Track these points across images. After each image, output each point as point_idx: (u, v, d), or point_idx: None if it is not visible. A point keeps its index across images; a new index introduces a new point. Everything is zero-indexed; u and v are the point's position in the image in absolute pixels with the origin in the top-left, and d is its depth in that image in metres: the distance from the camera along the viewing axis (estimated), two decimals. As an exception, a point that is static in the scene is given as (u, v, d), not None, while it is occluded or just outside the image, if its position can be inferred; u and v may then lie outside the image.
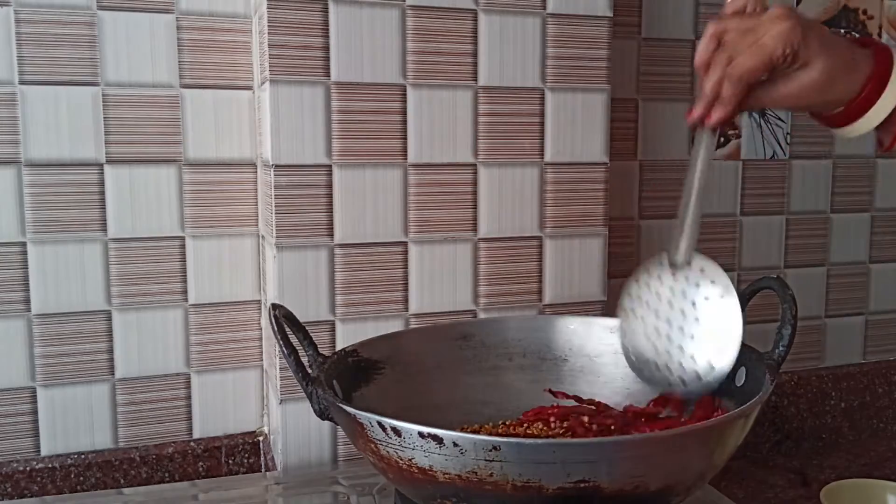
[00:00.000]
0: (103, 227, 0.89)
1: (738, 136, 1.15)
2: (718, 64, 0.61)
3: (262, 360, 0.96)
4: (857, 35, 1.20)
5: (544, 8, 0.89)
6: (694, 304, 0.68)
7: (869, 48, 0.63)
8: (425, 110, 0.86)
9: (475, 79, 0.88)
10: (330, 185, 0.84)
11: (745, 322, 0.66)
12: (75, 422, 0.90)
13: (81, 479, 0.89)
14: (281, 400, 0.85)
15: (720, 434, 0.57)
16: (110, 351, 0.91)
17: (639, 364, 0.70)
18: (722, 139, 1.14)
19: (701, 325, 0.67)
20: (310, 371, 0.67)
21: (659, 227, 1.12)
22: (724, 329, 0.66)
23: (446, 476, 0.54)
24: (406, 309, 0.88)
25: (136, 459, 0.91)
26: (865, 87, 0.61)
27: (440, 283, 0.89)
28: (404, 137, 0.86)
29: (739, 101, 0.62)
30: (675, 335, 0.68)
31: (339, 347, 0.84)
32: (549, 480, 0.52)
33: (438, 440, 0.53)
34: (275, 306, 0.68)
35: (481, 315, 0.91)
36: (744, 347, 0.70)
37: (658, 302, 0.69)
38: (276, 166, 0.82)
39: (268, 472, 0.93)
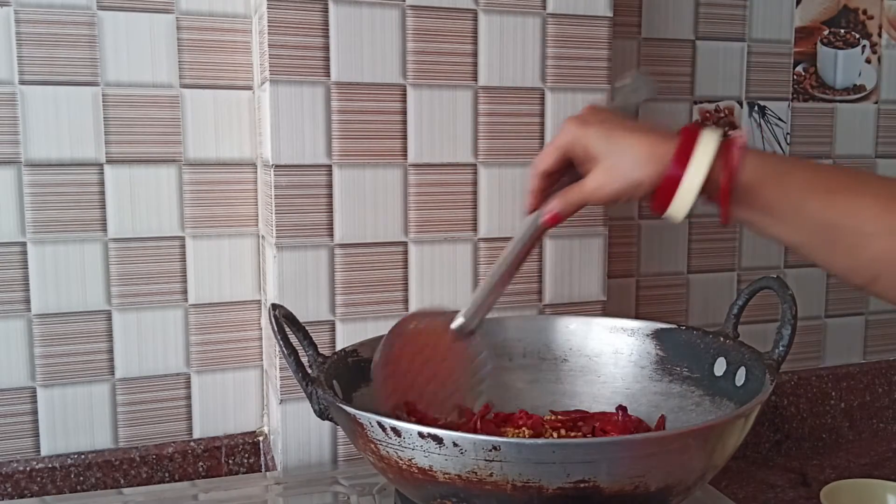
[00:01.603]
0: (103, 227, 0.89)
1: (738, 136, 1.15)
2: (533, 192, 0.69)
3: (262, 360, 0.96)
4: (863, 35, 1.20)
5: (544, 8, 0.89)
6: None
7: (681, 132, 0.61)
8: (425, 110, 0.86)
9: (475, 79, 0.88)
10: (330, 185, 0.84)
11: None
12: (75, 422, 0.90)
13: (81, 479, 0.89)
14: (281, 400, 0.85)
15: (720, 434, 0.57)
16: (110, 351, 0.91)
17: None
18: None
19: None
20: (310, 371, 0.67)
21: (659, 227, 1.12)
22: None
23: (446, 476, 0.54)
24: (406, 309, 0.88)
25: (136, 459, 0.91)
26: (665, 173, 0.60)
27: (440, 283, 0.89)
28: (404, 137, 0.86)
29: (537, 189, 0.68)
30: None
31: (339, 347, 0.84)
32: (549, 480, 0.52)
33: (438, 440, 0.53)
34: (275, 306, 0.68)
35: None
36: (744, 347, 0.71)
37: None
38: (276, 166, 0.82)
39: (268, 472, 0.93)
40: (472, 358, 0.72)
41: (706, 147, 0.60)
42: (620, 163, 0.62)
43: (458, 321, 0.70)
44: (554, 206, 0.67)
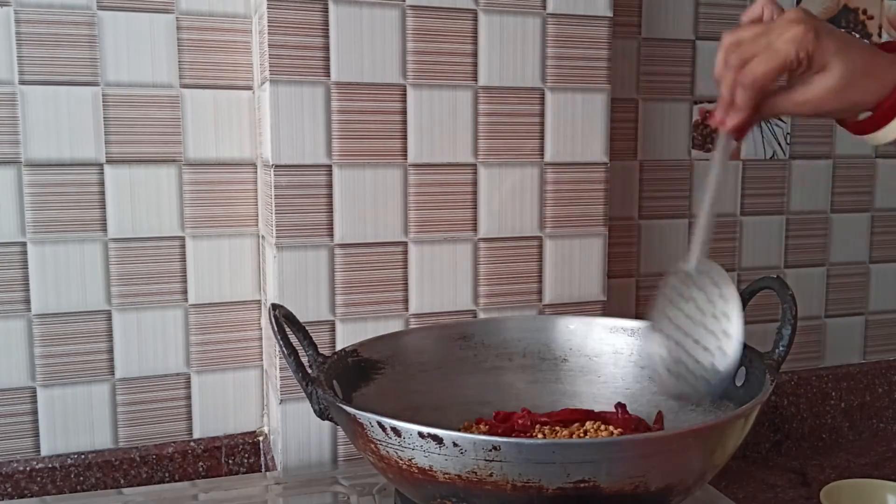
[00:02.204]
0: (103, 227, 0.89)
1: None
2: (731, 69, 0.61)
3: (262, 360, 0.96)
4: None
5: (544, 8, 0.89)
6: (704, 313, 0.67)
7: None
8: (425, 110, 0.86)
9: (475, 79, 0.88)
10: (330, 185, 0.84)
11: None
12: (75, 422, 0.90)
13: (81, 479, 0.89)
14: (281, 400, 0.85)
15: (720, 434, 0.57)
16: (110, 351, 0.91)
17: (668, 377, 0.68)
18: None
19: (711, 331, 0.66)
20: (310, 371, 0.67)
21: (659, 227, 1.12)
22: (724, 332, 0.66)
23: (446, 476, 0.54)
24: (406, 309, 0.88)
25: (136, 459, 0.91)
26: (893, 92, 0.59)
27: (440, 283, 0.89)
28: (404, 137, 0.86)
29: (753, 107, 0.61)
30: (690, 346, 0.67)
31: (339, 347, 0.84)
32: (549, 480, 0.52)
33: (438, 440, 0.53)
34: (275, 306, 0.68)
35: (481, 315, 0.91)
36: (744, 348, 0.70)
37: (680, 316, 0.68)
38: (276, 166, 0.82)
39: (268, 472, 0.93)
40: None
41: None
42: (853, 85, 0.59)
43: (692, 265, 0.66)
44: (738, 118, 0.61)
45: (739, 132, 0.63)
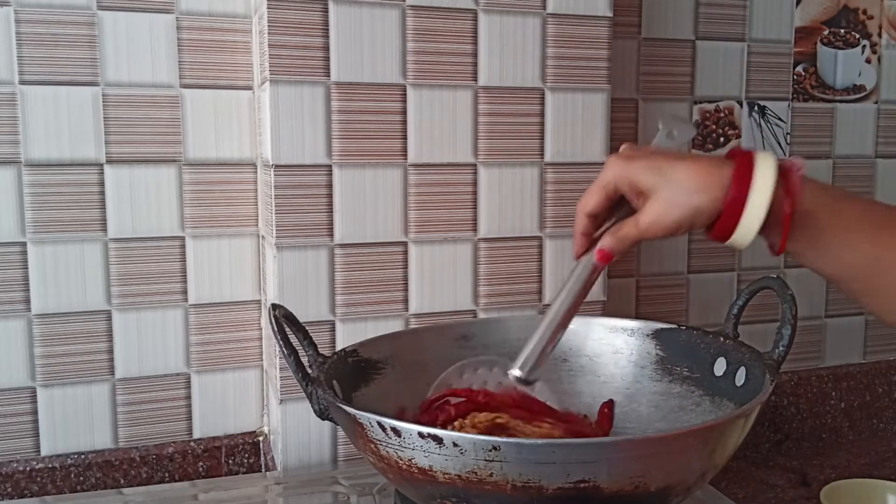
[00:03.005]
0: (103, 227, 0.89)
1: (738, 136, 1.15)
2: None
3: (262, 361, 0.96)
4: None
5: (544, 8, 0.89)
6: None
7: (732, 159, 0.60)
8: (425, 110, 0.86)
9: (475, 79, 0.88)
10: (330, 185, 0.84)
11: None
12: (75, 422, 0.90)
13: (81, 479, 0.89)
14: (281, 400, 0.85)
15: (720, 434, 0.57)
16: (110, 351, 0.91)
17: None
18: (722, 139, 1.14)
19: None
20: (310, 371, 0.67)
21: (659, 227, 1.12)
22: None
23: (446, 476, 0.54)
24: (406, 309, 0.88)
25: (136, 459, 0.91)
26: (725, 201, 0.58)
27: (440, 283, 0.89)
28: (404, 137, 0.86)
29: (586, 234, 0.65)
30: None
31: (339, 347, 0.84)
32: (549, 480, 0.52)
33: (438, 440, 0.53)
34: (275, 306, 0.68)
35: (481, 315, 0.91)
36: (744, 347, 0.71)
37: None
38: (276, 166, 0.82)
39: (268, 472, 0.93)
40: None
41: (766, 171, 0.58)
42: (676, 193, 0.59)
43: (515, 372, 0.64)
44: (607, 243, 0.63)
45: (602, 259, 0.64)
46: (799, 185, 0.58)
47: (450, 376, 0.74)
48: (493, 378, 0.75)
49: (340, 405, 0.59)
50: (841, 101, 1.20)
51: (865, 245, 0.59)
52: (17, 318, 0.87)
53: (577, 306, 0.65)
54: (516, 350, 0.82)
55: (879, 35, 1.22)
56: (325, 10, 0.82)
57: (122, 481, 0.91)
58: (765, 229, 0.58)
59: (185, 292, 0.93)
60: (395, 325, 0.87)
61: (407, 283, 0.88)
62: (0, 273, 0.86)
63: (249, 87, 0.93)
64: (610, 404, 0.76)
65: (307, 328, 0.70)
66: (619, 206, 0.64)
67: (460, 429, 0.69)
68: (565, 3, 0.89)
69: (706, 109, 1.13)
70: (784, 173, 0.58)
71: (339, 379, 0.68)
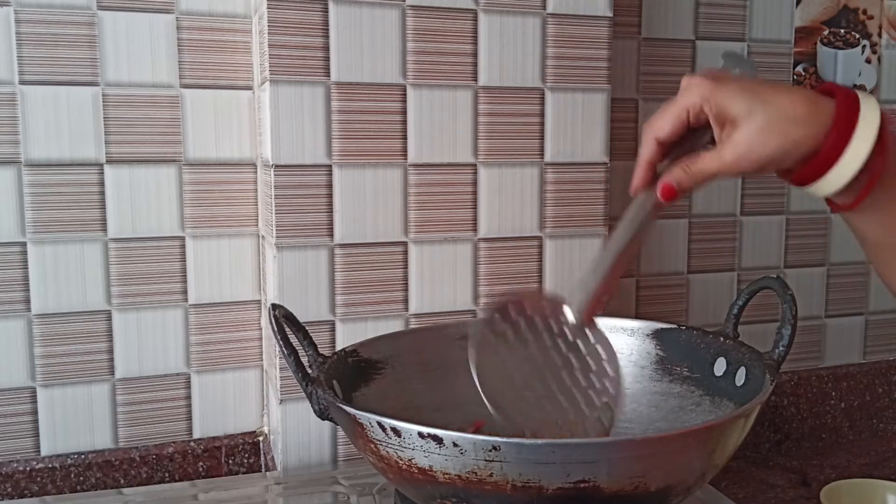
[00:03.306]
0: (103, 227, 0.89)
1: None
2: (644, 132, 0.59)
3: (262, 361, 0.96)
4: (860, 33, 1.20)
5: (544, 8, 0.89)
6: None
7: (834, 95, 0.54)
8: (425, 110, 0.86)
9: (475, 79, 0.88)
10: (330, 185, 0.84)
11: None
12: (75, 422, 0.90)
13: (81, 479, 0.89)
14: (281, 400, 0.85)
15: (720, 434, 0.57)
16: (110, 351, 0.91)
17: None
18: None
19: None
20: (310, 371, 0.67)
21: (659, 227, 1.12)
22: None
23: (446, 476, 0.54)
24: (406, 309, 0.88)
25: (136, 459, 0.91)
26: (827, 138, 0.53)
27: (440, 283, 0.89)
28: (404, 137, 0.86)
29: (652, 159, 0.58)
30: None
31: (339, 347, 0.84)
32: (549, 481, 0.52)
33: (438, 440, 0.53)
34: (275, 306, 0.68)
35: (481, 315, 0.91)
36: (744, 347, 0.71)
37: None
38: (276, 166, 0.82)
39: (268, 472, 0.93)
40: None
41: (871, 116, 0.52)
42: (773, 120, 0.52)
43: (571, 318, 0.60)
44: (677, 177, 0.56)
45: (667, 194, 0.57)
46: (891, 142, 0.53)
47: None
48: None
49: (340, 405, 0.59)
50: (841, 101, 1.20)
51: None
52: (17, 318, 0.87)
53: (636, 248, 0.59)
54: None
55: (879, 35, 1.22)
56: (325, 10, 0.82)
57: (122, 481, 0.91)
58: (853, 179, 0.53)
59: (185, 292, 0.93)
60: (395, 325, 0.87)
61: (407, 283, 0.88)
62: (0, 273, 0.86)
63: (249, 87, 0.93)
64: None
65: (307, 328, 0.70)
66: (695, 135, 0.57)
67: None
68: (565, 3, 0.89)
69: (706, 109, 1.12)
70: (883, 125, 0.53)
71: (339, 379, 0.68)
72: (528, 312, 0.62)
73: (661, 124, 0.57)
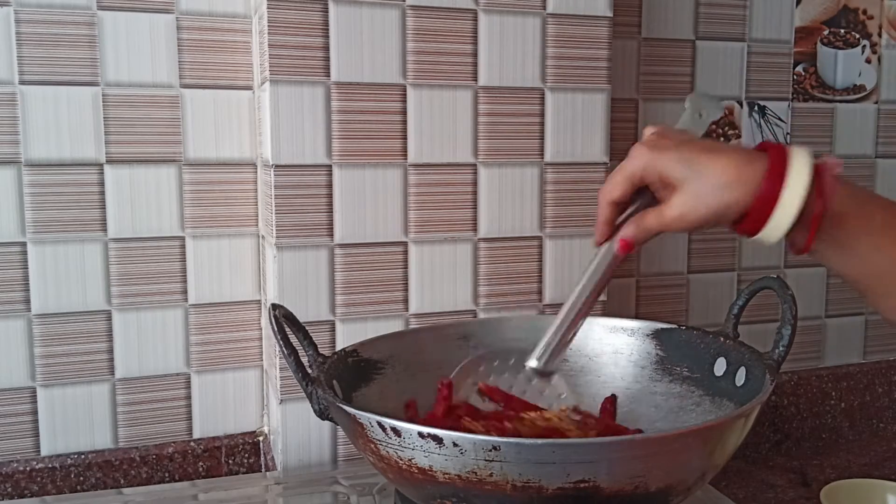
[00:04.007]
0: (103, 227, 0.89)
1: (739, 136, 1.15)
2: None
3: (262, 360, 0.96)
4: (860, 37, 1.20)
5: (544, 8, 0.89)
6: None
7: (766, 152, 0.58)
8: (425, 110, 0.86)
9: (475, 79, 0.88)
10: (330, 185, 0.84)
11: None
12: (75, 422, 0.90)
13: (81, 479, 0.89)
14: (281, 400, 0.85)
15: (720, 434, 0.57)
16: (110, 351, 0.91)
17: None
18: (722, 139, 1.14)
19: None
20: (310, 371, 0.67)
21: (659, 227, 1.11)
22: None
23: (446, 476, 0.54)
24: (406, 309, 0.88)
25: (136, 459, 0.91)
26: (756, 197, 0.57)
27: (440, 283, 0.89)
28: (404, 137, 0.86)
29: (608, 222, 0.63)
30: None
31: (339, 347, 0.84)
32: (549, 480, 0.52)
33: (438, 440, 0.53)
34: (275, 306, 0.68)
35: (481, 315, 0.91)
36: (744, 347, 0.71)
37: None
38: (276, 166, 0.82)
39: (268, 472, 0.93)
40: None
41: (801, 168, 0.56)
42: (705, 187, 0.58)
43: (532, 363, 0.64)
44: (629, 233, 0.62)
45: (624, 248, 0.63)
46: (832, 185, 0.57)
47: (469, 366, 0.73)
48: (510, 373, 0.74)
49: (340, 405, 0.59)
50: (841, 101, 1.20)
51: (893, 249, 0.58)
52: (17, 317, 0.87)
53: (597, 295, 0.64)
54: (516, 350, 0.82)
55: (879, 35, 1.22)
56: (325, 10, 0.82)
57: (122, 481, 0.91)
58: (792, 227, 0.57)
59: (185, 292, 0.93)
60: (395, 325, 0.87)
61: (407, 283, 0.88)
62: (0, 273, 0.86)
63: (249, 87, 0.93)
64: (612, 399, 0.76)
65: (307, 328, 0.70)
66: (642, 192, 0.63)
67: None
68: (565, 3, 0.89)
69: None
70: (818, 172, 0.57)
71: (339, 379, 0.68)
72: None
73: (612, 189, 0.63)
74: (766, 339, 1.12)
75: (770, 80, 1.16)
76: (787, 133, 1.17)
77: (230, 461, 0.95)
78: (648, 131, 0.63)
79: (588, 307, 0.64)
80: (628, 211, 0.64)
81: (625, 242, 0.63)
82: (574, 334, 0.64)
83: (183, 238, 0.92)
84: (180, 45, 0.90)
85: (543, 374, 0.64)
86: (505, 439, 0.52)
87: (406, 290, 0.88)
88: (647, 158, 0.60)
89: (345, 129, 0.84)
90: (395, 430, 0.54)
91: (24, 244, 0.87)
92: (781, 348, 0.66)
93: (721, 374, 0.72)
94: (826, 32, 1.19)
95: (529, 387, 0.75)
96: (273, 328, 0.66)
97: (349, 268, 0.85)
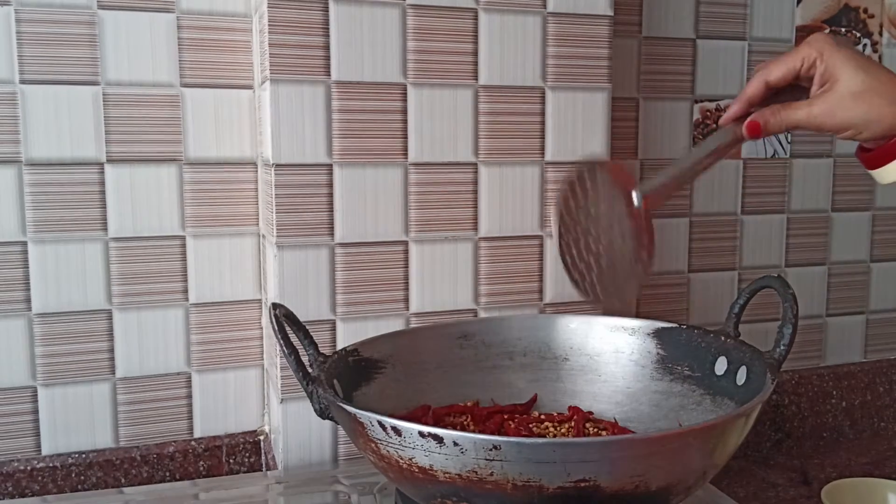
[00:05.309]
0: (104, 226, 0.89)
1: (739, 135, 1.15)
2: (755, 72, 0.63)
3: (262, 360, 0.96)
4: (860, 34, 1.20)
5: (545, 7, 0.89)
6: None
7: None
8: (426, 109, 0.86)
9: (476, 78, 0.88)
10: (330, 185, 0.84)
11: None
12: (76, 421, 0.90)
13: (82, 478, 0.90)
14: (282, 399, 0.85)
15: (721, 433, 0.57)
16: (111, 350, 0.91)
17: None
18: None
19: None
20: (310, 370, 0.67)
21: (659, 226, 1.12)
22: None
23: (447, 475, 0.54)
24: (407, 308, 0.88)
25: (136, 459, 0.91)
26: None
27: (441, 282, 0.89)
28: (405, 136, 0.86)
29: (756, 99, 0.62)
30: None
31: (339, 347, 0.84)
32: (550, 480, 0.52)
33: (438, 439, 0.53)
34: (275, 305, 0.68)
35: (482, 314, 0.91)
36: (745, 346, 0.71)
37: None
38: (276, 165, 0.82)
39: (269, 472, 0.93)
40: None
41: None
42: (868, 95, 0.57)
43: (636, 191, 0.64)
44: (764, 118, 0.60)
45: (752, 130, 0.61)
46: None
47: None
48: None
49: (341, 404, 0.59)
50: (842, 100, 1.20)
51: None
52: (18, 317, 0.87)
53: (710, 164, 0.64)
54: (517, 349, 0.83)
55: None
56: (326, 9, 0.82)
57: (122, 480, 0.91)
58: None
59: (185, 291, 0.93)
60: (395, 325, 0.87)
61: (407, 282, 0.88)
62: (1, 272, 0.86)
63: (250, 87, 0.93)
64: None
65: (308, 327, 0.70)
66: (792, 93, 0.62)
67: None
68: (566, 2, 0.89)
69: (707, 108, 1.12)
70: None
71: (340, 378, 0.68)
72: (604, 183, 0.68)
73: (776, 68, 0.61)
74: (766, 338, 1.12)
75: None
76: (787, 132, 1.17)
77: (231, 460, 0.95)
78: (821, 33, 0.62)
79: (699, 170, 0.64)
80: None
81: (755, 125, 0.61)
82: (680, 187, 0.65)
83: (183, 237, 0.92)
84: (181, 44, 0.90)
85: (645, 203, 0.63)
86: (505, 438, 0.52)
87: (407, 289, 0.88)
88: (827, 47, 0.58)
89: (345, 128, 0.84)
90: (396, 430, 0.55)
91: (24, 243, 0.87)
92: (782, 347, 0.66)
93: (722, 373, 0.72)
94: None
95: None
96: (274, 327, 0.66)
97: (350, 267, 0.85)
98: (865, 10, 1.20)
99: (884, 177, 0.58)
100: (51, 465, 0.89)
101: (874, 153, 0.58)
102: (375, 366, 0.74)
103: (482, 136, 0.88)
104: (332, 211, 0.84)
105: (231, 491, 0.83)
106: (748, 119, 0.61)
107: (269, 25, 0.80)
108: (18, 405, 0.88)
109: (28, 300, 0.87)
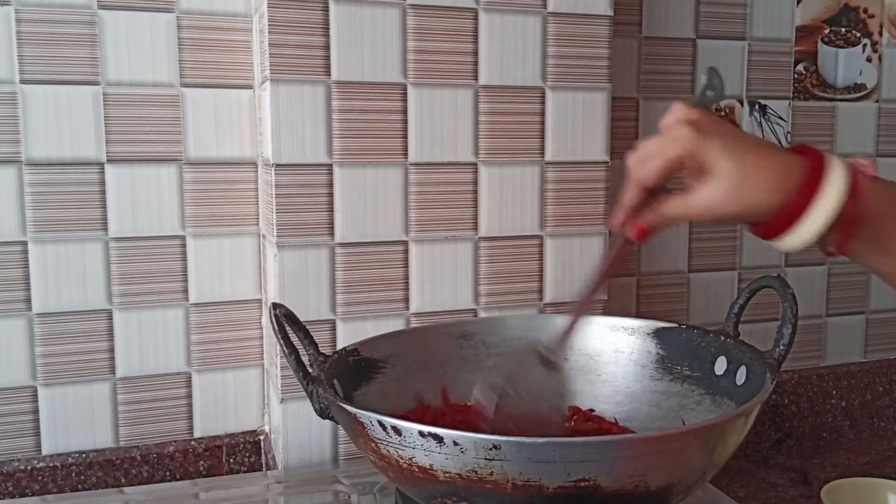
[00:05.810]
0: (104, 226, 0.89)
1: (739, 135, 1.15)
2: (629, 173, 0.61)
3: (262, 360, 0.96)
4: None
5: (545, 7, 0.89)
6: None
7: (803, 155, 0.57)
8: (426, 109, 0.86)
9: (476, 78, 0.88)
10: (331, 185, 0.84)
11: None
12: (76, 421, 0.90)
13: (82, 477, 0.90)
14: (282, 399, 0.85)
15: (721, 433, 0.57)
16: (111, 350, 0.91)
17: None
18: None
19: None
20: (310, 370, 0.67)
21: (659, 226, 1.11)
22: None
23: (447, 475, 0.54)
24: (407, 308, 0.88)
25: (137, 458, 0.91)
26: (790, 202, 0.55)
27: (441, 282, 0.89)
28: (405, 136, 0.86)
29: (636, 206, 0.61)
30: None
31: (339, 346, 0.84)
32: (550, 479, 0.52)
33: (439, 439, 0.53)
34: (275, 305, 0.68)
35: (482, 314, 0.91)
36: (744, 346, 0.71)
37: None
38: (276, 165, 0.82)
39: (269, 471, 0.93)
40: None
41: (837, 181, 0.55)
42: (743, 185, 0.55)
43: (543, 351, 0.65)
44: (648, 219, 0.60)
45: (640, 235, 0.61)
46: (865, 187, 0.55)
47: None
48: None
49: (341, 404, 0.59)
50: (842, 100, 1.20)
51: None
52: (18, 317, 0.87)
53: (601, 285, 0.64)
54: (517, 349, 0.82)
55: (880, 34, 1.22)
56: (326, 9, 0.82)
57: (123, 480, 0.91)
58: (832, 230, 0.56)
59: (185, 291, 0.93)
60: (395, 324, 0.87)
61: (408, 282, 0.88)
62: (1, 272, 0.86)
63: (250, 86, 0.93)
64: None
65: (308, 327, 0.70)
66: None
67: None
68: (566, 2, 0.89)
69: (707, 108, 1.12)
70: (853, 177, 0.55)
71: (340, 378, 0.68)
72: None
73: (649, 174, 0.59)
74: (766, 338, 1.12)
75: (771, 78, 1.16)
76: (788, 132, 1.17)
77: (231, 460, 0.95)
78: (680, 110, 0.59)
79: (590, 298, 0.64)
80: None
81: (641, 230, 0.60)
82: (581, 322, 0.65)
83: (184, 237, 0.92)
84: (181, 44, 0.90)
85: (549, 364, 0.64)
86: (505, 438, 0.52)
87: (407, 289, 0.88)
88: (694, 143, 0.56)
89: (345, 128, 0.84)
90: (396, 429, 0.55)
91: (24, 243, 0.87)
92: (782, 347, 0.66)
93: (722, 372, 0.72)
94: (827, 31, 1.18)
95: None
96: (274, 327, 0.66)
97: (350, 267, 0.86)
98: (865, 10, 1.20)
99: (780, 247, 0.57)
100: (51, 464, 0.89)
101: (763, 230, 0.58)
102: (375, 366, 0.74)
103: (482, 136, 0.89)
104: (333, 211, 0.84)
105: (231, 491, 0.83)
106: (634, 225, 0.61)
107: (269, 25, 0.80)
108: (18, 405, 0.88)
109: (28, 300, 0.87)
